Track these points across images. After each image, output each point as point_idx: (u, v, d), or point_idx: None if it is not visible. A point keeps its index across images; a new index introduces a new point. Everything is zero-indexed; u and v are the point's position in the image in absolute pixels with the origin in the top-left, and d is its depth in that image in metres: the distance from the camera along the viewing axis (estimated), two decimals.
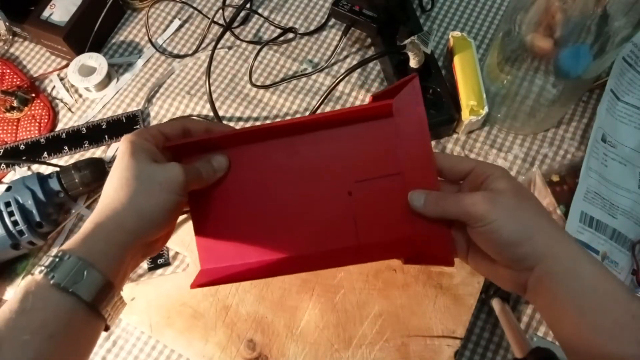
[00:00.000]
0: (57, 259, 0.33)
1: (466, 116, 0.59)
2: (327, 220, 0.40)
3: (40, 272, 0.33)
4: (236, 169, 0.41)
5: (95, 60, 0.67)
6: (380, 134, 0.40)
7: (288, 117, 0.66)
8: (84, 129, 0.66)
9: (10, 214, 0.54)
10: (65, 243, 0.35)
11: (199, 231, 0.42)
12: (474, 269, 0.38)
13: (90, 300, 0.33)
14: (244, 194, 0.41)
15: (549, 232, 0.33)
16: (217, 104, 0.66)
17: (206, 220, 0.42)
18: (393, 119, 0.39)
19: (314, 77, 0.68)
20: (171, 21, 0.72)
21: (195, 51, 0.70)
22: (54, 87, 0.69)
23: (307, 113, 0.62)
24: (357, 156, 0.40)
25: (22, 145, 0.66)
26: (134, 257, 0.37)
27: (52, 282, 0.32)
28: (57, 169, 0.60)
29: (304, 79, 0.68)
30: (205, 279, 0.39)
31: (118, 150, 0.37)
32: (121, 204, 0.35)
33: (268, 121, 0.66)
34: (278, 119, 0.66)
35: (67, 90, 0.69)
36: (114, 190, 0.36)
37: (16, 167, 0.64)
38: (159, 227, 0.37)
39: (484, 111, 0.59)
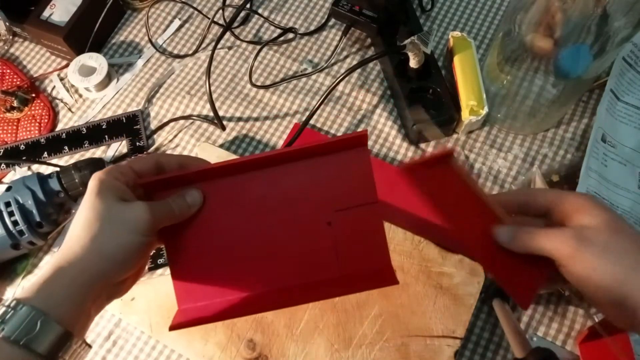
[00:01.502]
0: (9, 310, 0.32)
1: (466, 116, 0.59)
2: (307, 252, 0.40)
3: None
4: (212, 203, 0.40)
5: (95, 61, 0.67)
6: (356, 164, 0.39)
7: (288, 118, 0.66)
8: (84, 129, 0.66)
9: (11, 214, 0.54)
10: (23, 289, 0.34)
11: (174, 269, 0.40)
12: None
13: (45, 353, 0.31)
14: (221, 229, 0.40)
15: None
16: (217, 104, 0.66)
17: (182, 257, 0.40)
18: (367, 149, 0.39)
19: (314, 77, 0.68)
20: (171, 21, 0.72)
21: (195, 51, 0.70)
22: (54, 87, 0.69)
23: (307, 113, 0.62)
24: (335, 186, 0.39)
25: (22, 145, 0.66)
26: (97, 301, 0.36)
27: (1, 335, 0.31)
28: (57, 169, 0.60)
29: (304, 79, 0.68)
30: (183, 319, 0.38)
31: (87, 188, 0.37)
32: (82, 247, 0.34)
33: (268, 122, 0.66)
34: (278, 119, 0.66)
35: (67, 90, 0.69)
36: (77, 231, 0.35)
37: (16, 167, 0.64)
38: (123, 269, 0.36)
39: (484, 111, 0.59)
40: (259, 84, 0.68)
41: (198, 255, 0.40)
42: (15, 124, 0.67)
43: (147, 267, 0.58)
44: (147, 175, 0.39)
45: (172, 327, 0.38)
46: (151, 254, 0.41)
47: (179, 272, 0.41)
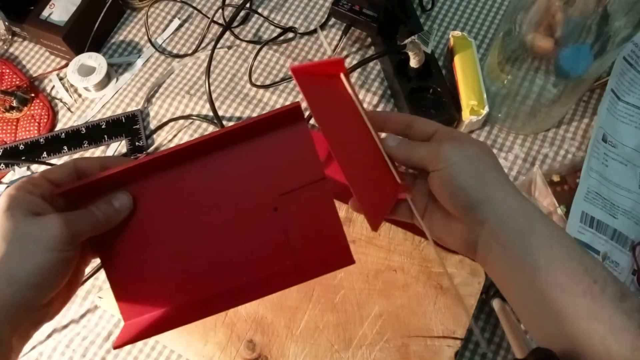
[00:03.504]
0: None
1: (467, 116, 0.59)
2: (257, 243, 0.37)
3: None
4: (145, 204, 0.37)
5: (95, 60, 0.67)
6: (296, 141, 0.36)
7: None
8: (83, 129, 0.66)
9: None
10: None
11: (114, 281, 0.37)
12: (429, 230, 0.37)
13: None
14: (159, 231, 0.37)
15: (505, 188, 0.34)
16: (216, 104, 0.66)
17: (121, 267, 0.37)
18: (305, 123, 0.36)
19: None
20: (171, 21, 0.72)
21: (195, 51, 0.70)
22: (54, 87, 0.69)
23: (307, 113, 0.62)
24: (277, 168, 0.37)
25: (21, 145, 0.65)
26: (18, 330, 0.33)
27: None
28: None
29: None
30: (130, 335, 0.35)
31: None
32: None
33: None
34: None
35: (67, 90, 0.69)
36: None
37: (15, 167, 0.64)
38: (42, 292, 0.33)
39: (485, 111, 0.59)
40: (258, 83, 0.67)
41: (138, 263, 0.37)
42: (14, 123, 0.67)
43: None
44: (67, 183, 0.35)
45: (117, 346, 0.35)
46: (86, 267, 0.38)
47: (119, 284, 0.37)
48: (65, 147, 0.65)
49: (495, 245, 0.33)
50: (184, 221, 0.37)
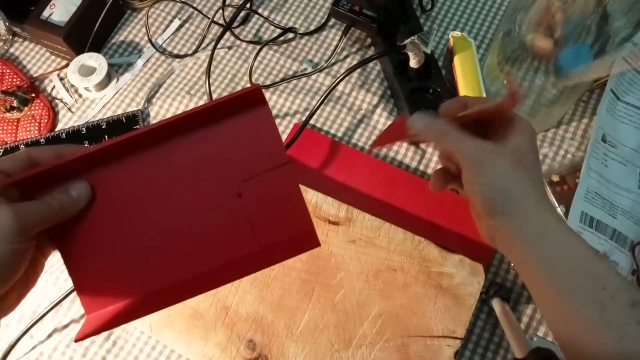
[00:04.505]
0: None
1: None
2: (221, 229, 0.37)
3: None
4: (106, 193, 0.36)
5: (95, 60, 0.67)
6: (258, 125, 0.36)
7: (288, 118, 0.66)
8: (84, 129, 0.66)
9: None
10: None
11: (74, 274, 0.36)
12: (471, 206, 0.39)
13: None
14: (120, 221, 0.36)
15: (527, 198, 0.34)
16: None
17: (81, 259, 0.36)
18: (267, 106, 0.36)
19: (314, 77, 0.68)
20: (171, 21, 0.72)
21: (195, 51, 0.70)
22: (54, 87, 0.69)
23: (307, 113, 0.62)
24: (239, 153, 0.36)
25: (22, 146, 0.66)
26: None
27: None
28: None
29: (304, 79, 0.68)
30: (91, 328, 0.35)
31: None
32: None
33: None
34: (278, 119, 0.66)
35: (67, 90, 0.69)
36: None
37: None
38: None
39: None
40: (259, 83, 0.68)
41: (99, 254, 0.36)
42: (15, 124, 0.67)
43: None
44: (20, 173, 0.34)
45: (77, 339, 0.34)
46: (45, 260, 0.36)
47: (80, 276, 0.36)
48: None
49: (513, 249, 0.35)
50: (145, 210, 0.37)
